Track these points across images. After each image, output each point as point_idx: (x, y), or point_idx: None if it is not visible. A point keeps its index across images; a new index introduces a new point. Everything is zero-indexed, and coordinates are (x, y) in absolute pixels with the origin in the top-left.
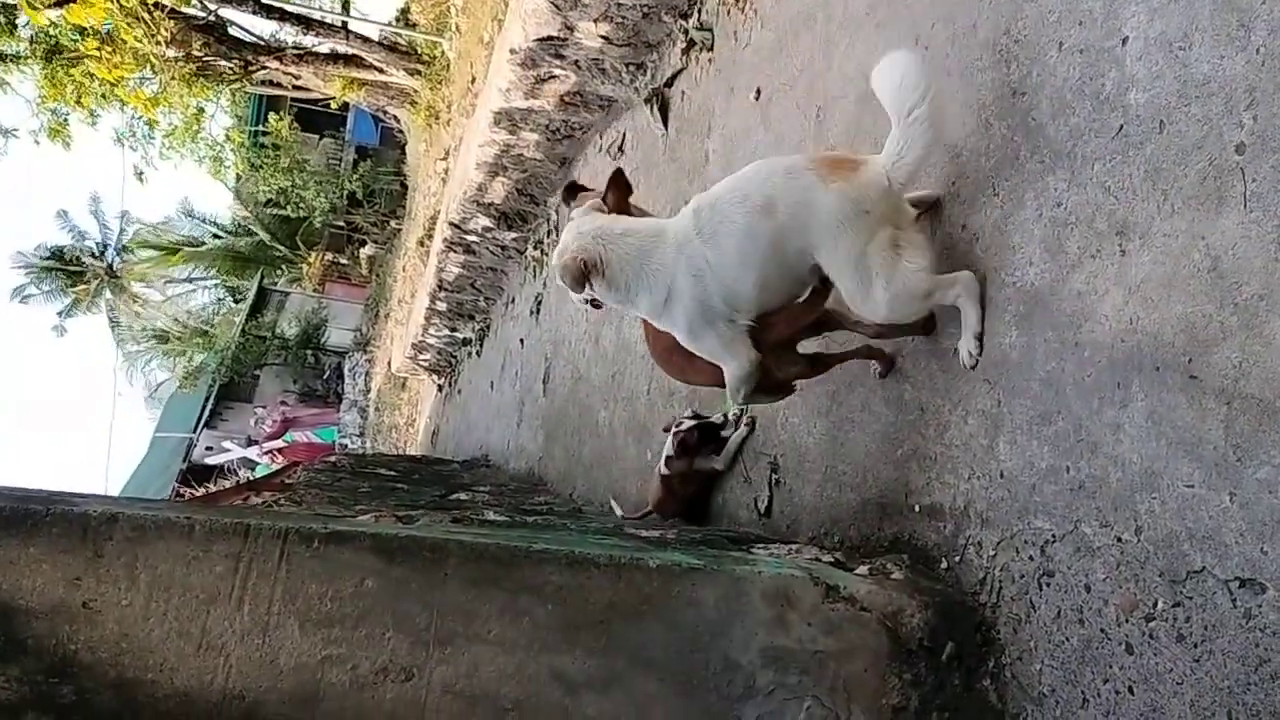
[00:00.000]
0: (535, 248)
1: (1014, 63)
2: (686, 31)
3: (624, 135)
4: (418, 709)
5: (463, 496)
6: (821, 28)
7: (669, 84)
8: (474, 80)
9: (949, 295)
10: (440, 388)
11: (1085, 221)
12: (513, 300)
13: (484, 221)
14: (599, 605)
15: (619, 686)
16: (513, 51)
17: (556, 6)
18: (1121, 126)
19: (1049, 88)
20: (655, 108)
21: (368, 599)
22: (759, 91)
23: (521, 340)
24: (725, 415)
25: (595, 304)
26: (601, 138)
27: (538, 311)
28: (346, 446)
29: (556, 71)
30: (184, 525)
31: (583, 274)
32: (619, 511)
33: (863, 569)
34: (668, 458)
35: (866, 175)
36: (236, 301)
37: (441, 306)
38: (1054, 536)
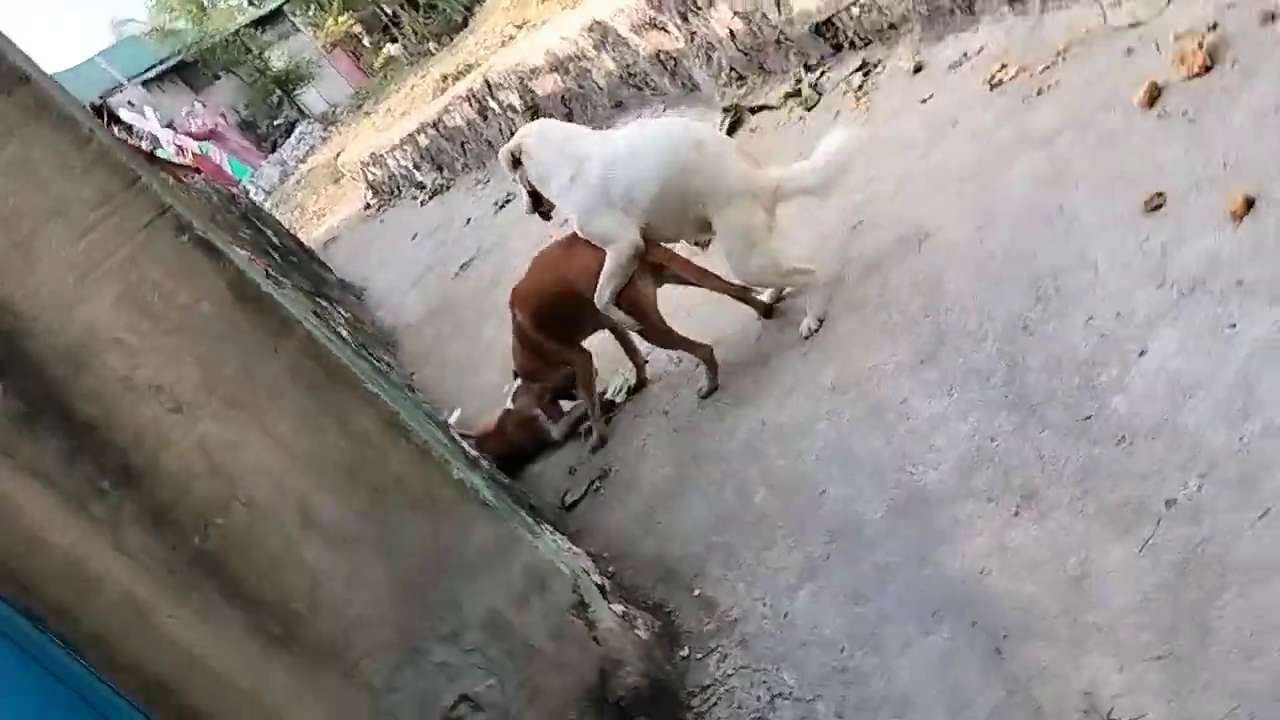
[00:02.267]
0: None
1: (1043, 303)
2: (800, 80)
3: None
4: (161, 440)
5: (324, 304)
6: (913, 161)
7: (754, 110)
8: None
9: (799, 280)
10: (367, 205)
11: (1005, 468)
12: (487, 181)
13: (515, 100)
14: (389, 473)
15: (350, 552)
16: None
17: None
18: (1089, 417)
19: (1055, 344)
20: (727, 120)
21: (196, 319)
22: None
23: (470, 219)
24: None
25: (538, 204)
26: (663, 110)
27: (502, 207)
28: (249, 192)
29: (672, 27)
30: (85, 133)
31: (513, 159)
32: (453, 419)
33: (618, 608)
34: (515, 391)
35: (764, 172)
36: (251, 3)
37: (423, 141)
38: (790, 694)
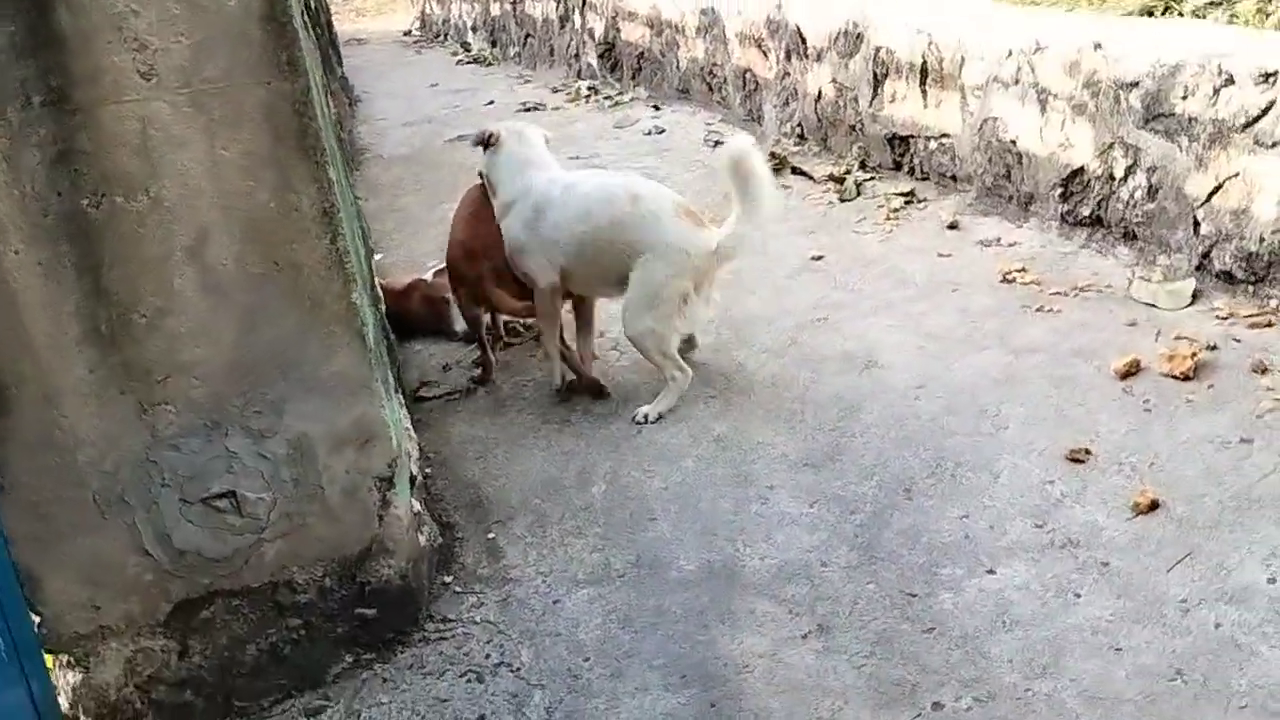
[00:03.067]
0: (579, 78)
1: (935, 479)
2: (849, 171)
3: (719, 141)
4: (114, 91)
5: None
6: (900, 298)
7: (794, 170)
8: None
9: (670, 370)
10: (408, 32)
11: (819, 594)
12: (527, 81)
13: (598, 29)
14: (294, 257)
15: (216, 303)
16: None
17: (849, 30)
18: (915, 595)
19: (924, 519)
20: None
21: (216, 7)
22: (820, 256)
23: (492, 101)
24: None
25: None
26: (718, 120)
27: (528, 109)
28: None
29: (771, 57)
30: None
31: (483, 140)
32: (376, 258)
33: (416, 505)
34: (438, 270)
35: (704, 234)
36: None
37: (495, 10)
38: (516, 670)
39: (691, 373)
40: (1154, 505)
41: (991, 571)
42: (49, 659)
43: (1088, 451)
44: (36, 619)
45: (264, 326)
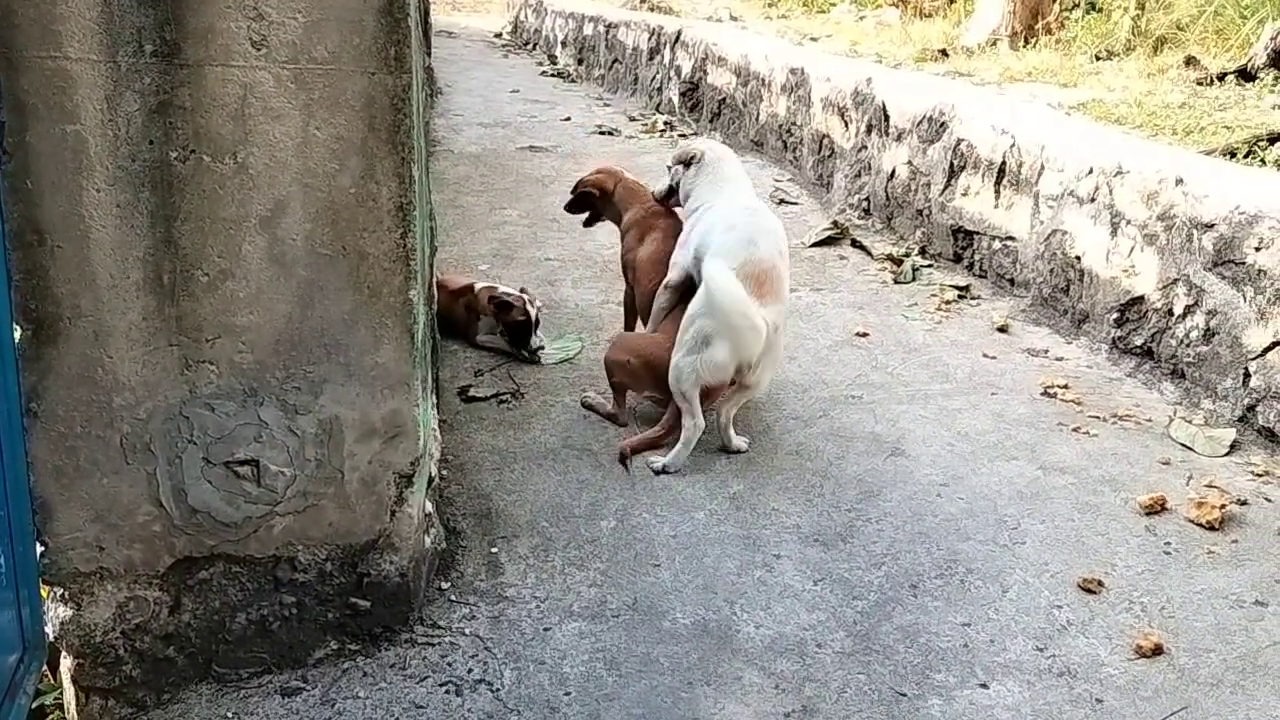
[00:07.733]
0: (658, 111)
1: (943, 581)
2: (909, 254)
3: (784, 199)
4: (221, 54)
5: None
6: (937, 391)
7: (854, 243)
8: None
9: (684, 417)
10: (499, 35)
11: (808, 674)
12: (607, 104)
13: (685, 68)
14: (362, 245)
15: (277, 273)
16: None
17: (934, 117)
18: (904, 695)
19: (925, 619)
20: (826, 234)
21: None
22: (865, 334)
23: (569, 118)
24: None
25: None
26: (786, 180)
27: (603, 133)
28: None
29: (852, 128)
30: None
31: (686, 161)
32: None
33: (429, 506)
34: (502, 294)
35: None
36: None
37: (588, 30)
38: (496, 690)
39: (704, 425)
40: (1158, 650)
41: (985, 686)
42: (44, 590)
43: (1100, 583)
44: (40, 548)
45: (319, 306)
